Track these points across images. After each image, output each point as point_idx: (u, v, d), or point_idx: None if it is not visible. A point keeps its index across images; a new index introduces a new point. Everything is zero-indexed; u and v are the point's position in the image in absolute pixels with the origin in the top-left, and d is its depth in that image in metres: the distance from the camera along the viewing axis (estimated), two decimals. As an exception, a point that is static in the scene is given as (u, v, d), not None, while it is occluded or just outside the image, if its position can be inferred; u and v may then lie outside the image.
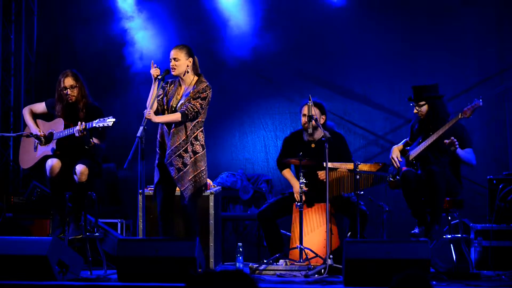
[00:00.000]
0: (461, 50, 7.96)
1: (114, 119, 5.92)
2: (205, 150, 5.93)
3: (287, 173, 6.66)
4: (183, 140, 5.83)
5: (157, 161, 5.99)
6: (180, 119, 5.79)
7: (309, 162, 6.27)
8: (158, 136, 5.98)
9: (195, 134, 5.87)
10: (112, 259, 6.24)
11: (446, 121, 6.08)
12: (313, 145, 6.56)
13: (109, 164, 7.61)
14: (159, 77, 5.86)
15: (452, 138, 5.90)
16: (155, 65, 5.92)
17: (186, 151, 5.83)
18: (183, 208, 5.88)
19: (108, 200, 7.62)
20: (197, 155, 5.87)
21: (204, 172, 5.90)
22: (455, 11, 7.96)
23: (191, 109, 5.79)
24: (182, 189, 5.82)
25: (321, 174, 6.33)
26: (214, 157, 7.88)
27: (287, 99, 8.31)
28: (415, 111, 6.21)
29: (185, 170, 5.82)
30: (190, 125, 5.84)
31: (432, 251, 5.98)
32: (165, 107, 5.96)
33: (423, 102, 6.17)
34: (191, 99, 5.83)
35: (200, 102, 5.83)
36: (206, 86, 5.90)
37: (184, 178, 5.82)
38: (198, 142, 5.88)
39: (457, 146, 5.91)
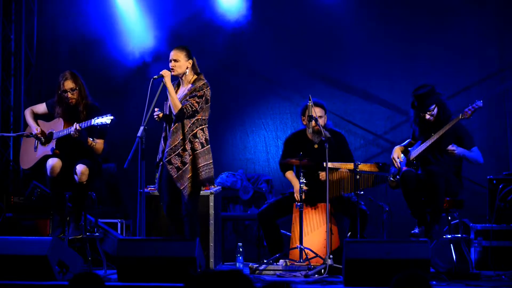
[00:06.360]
0: (461, 49, 7.95)
1: (112, 117, 5.92)
2: (207, 146, 5.91)
3: (289, 175, 6.65)
4: (181, 139, 5.82)
5: (158, 161, 5.99)
6: (176, 110, 5.78)
7: (310, 162, 6.26)
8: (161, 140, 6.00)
9: (194, 132, 5.85)
10: (112, 259, 6.23)
11: (450, 118, 6.07)
12: (316, 146, 6.55)
13: (109, 164, 7.61)
14: (155, 77, 5.82)
15: (449, 147, 5.94)
16: (157, 110, 5.86)
17: (184, 149, 5.83)
18: (185, 206, 5.87)
19: (108, 200, 7.61)
20: (196, 152, 5.85)
21: (202, 168, 5.84)
22: (455, 10, 7.95)
23: (189, 107, 5.79)
24: (181, 188, 5.81)
25: (322, 175, 6.32)
26: (214, 157, 7.84)
27: (287, 99, 8.30)
28: (427, 116, 6.12)
29: (184, 168, 5.81)
30: (188, 123, 5.84)
31: (432, 251, 5.98)
32: (162, 114, 5.96)
33: (433, 106, 6.14)
34: (188, 97, 5.84)
35: (197, 100, 5.83)
36: (203, 84, 5.90)
37: (183, 176, 5.81)
38: (197, 140, 5.85)
39: (454, 150, 5.93)
